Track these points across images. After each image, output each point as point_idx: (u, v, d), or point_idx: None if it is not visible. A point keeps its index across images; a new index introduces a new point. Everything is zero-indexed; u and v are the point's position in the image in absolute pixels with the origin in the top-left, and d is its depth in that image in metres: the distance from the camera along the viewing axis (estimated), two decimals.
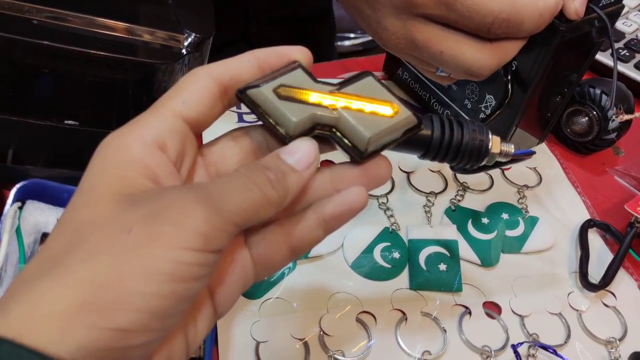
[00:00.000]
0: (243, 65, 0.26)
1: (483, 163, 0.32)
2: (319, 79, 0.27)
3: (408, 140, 0.28)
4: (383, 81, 0.28)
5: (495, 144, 0.31)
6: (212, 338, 0.38)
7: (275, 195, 0.24)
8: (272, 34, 0.76)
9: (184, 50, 0.42)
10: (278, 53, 0.27)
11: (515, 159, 0.32)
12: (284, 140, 0.26)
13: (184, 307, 0.22)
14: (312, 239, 0.27)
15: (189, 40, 0.43)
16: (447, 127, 0.30)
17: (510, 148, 0.32)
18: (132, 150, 0.23)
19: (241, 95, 0.26)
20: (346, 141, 0.27)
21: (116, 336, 0.20)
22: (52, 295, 0.20)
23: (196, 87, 0.26)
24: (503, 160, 0.32)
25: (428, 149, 0.30)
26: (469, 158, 0.31)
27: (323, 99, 0.27)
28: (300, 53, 0.27)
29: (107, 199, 0.22)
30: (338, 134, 0.27)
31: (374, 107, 0.27)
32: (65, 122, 0.42)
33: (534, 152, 0.34)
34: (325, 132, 0.27)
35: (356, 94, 0.27)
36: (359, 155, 0.27)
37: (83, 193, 0.23)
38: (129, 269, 0.20)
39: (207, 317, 0.25)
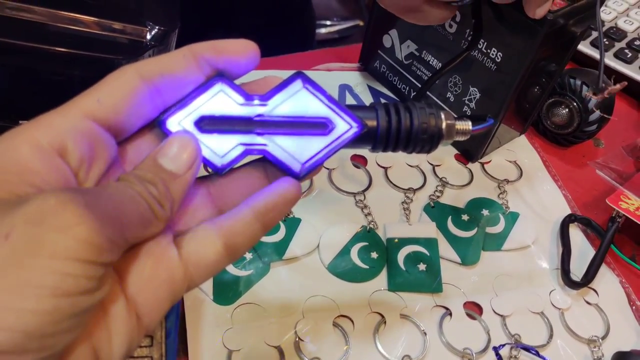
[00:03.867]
0: (177, 62, 0.24)
1: (440, 146, 0.29)
2: (245, 93, 0.25)
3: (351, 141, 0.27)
4: (316, 84, 0.26)
5: (449, 125, 0.28)
6: (175, 351, 0.36)
7: (162, 211, 0.23)
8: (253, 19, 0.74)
9: (147, 44, 0.40)
10: (216, 48, 0.25)
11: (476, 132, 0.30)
12: (215, 172, 0.26)
13: (70, 325, 0.20)
14: (249, 234, 0.25)
15: (152, 33, 0.40)
16: (394, 114, 0.27)
17: (467, 125, 0.29)
18: (20, 152, 0.21)
19: (161, 128, 0.25)
20: (280, 163, 0.26)
21: None
22: None
23: (117, 84, 0.23)
24: (462, 139, 0.30)
25: (375, 142, 0.28)
26: (422, 145, 0.28)
27: (249, 127, 0.25)
28: (242, 48, 0.25)
29: None
30: (271, 155, 0.26)
31: (306, 128, 0.26)
32: (20, 122, 0.39)
33: (493, 121, 0.32)
34: (258, 154, 0.26)
35: (285, 114, 0.25)
36: (296, 177, 0.26)
37: None
38: (0, 281, 0.18)
39: (125, 329, 0.23)
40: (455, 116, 0.29)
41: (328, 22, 1.40)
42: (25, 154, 0.21)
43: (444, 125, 0.28)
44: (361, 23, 1.43)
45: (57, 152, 0.22)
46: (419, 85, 0.56)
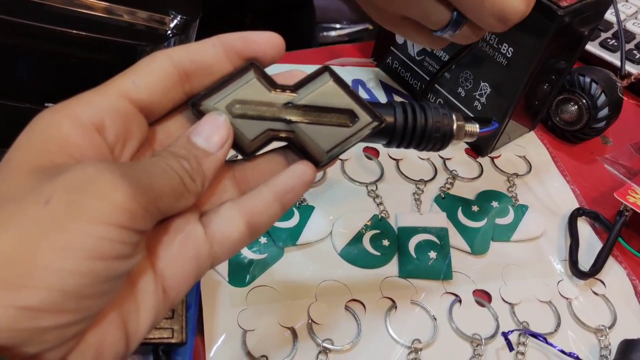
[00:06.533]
0: (207, 50, 0.25)
1: (449, 146, 0.31)
2: (275, 83, 0.26)
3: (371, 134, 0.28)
4: (342, 79, 0.27)
5: (459, 126, 0.30)
6: (195, 324, 0.37)
7: (193, 184, 0.24)
8: (258, 23, 0.76)
9: (169, 32, 0.41)
10: (246, 39, 0.26)
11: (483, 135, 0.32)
12: (242, 155, 0.27)
13: (104, 289, 0.21)
14: (269, 214, 0.27)
15: (175, 21, 0.41)
16: (410, 112, 0.29)
17: (475, 128, 0.31)
18: (62, 127, 0.22)
19: (195, 109, 0.26)
20: (304, 150, 0.27)
21: (23, 315, 0.19)
22: None
23: (150, 68, 0.24)
24: (469, 140, 0.31)
25: (392, 138, 0.29)
26: (434, 143, 0.30)
27: (277, 114, 0.26)
28: (268, 40, 0.26)
29: (25, 171, 0.21)
30: (296, 142, 0.27)
31: (331, 119, 0.27)
32: (46, 104, 0.40)
33: (498, 125, 0.34)
34: (283, 140, 0.27)
35: (313, 105, 0.27)
36: (317, 164, 0.27)
37: (1, 166, 0.22)
38: (42, 243, 0.19)
39: (153, 302, 0.24)
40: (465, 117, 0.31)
41: (338, 25, 1.41)
42: (67, 128, 0.22)
43: (455, 125, 0.30)
44: (371, 27, 1.44)
45: (96, 128, 0.23)
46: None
